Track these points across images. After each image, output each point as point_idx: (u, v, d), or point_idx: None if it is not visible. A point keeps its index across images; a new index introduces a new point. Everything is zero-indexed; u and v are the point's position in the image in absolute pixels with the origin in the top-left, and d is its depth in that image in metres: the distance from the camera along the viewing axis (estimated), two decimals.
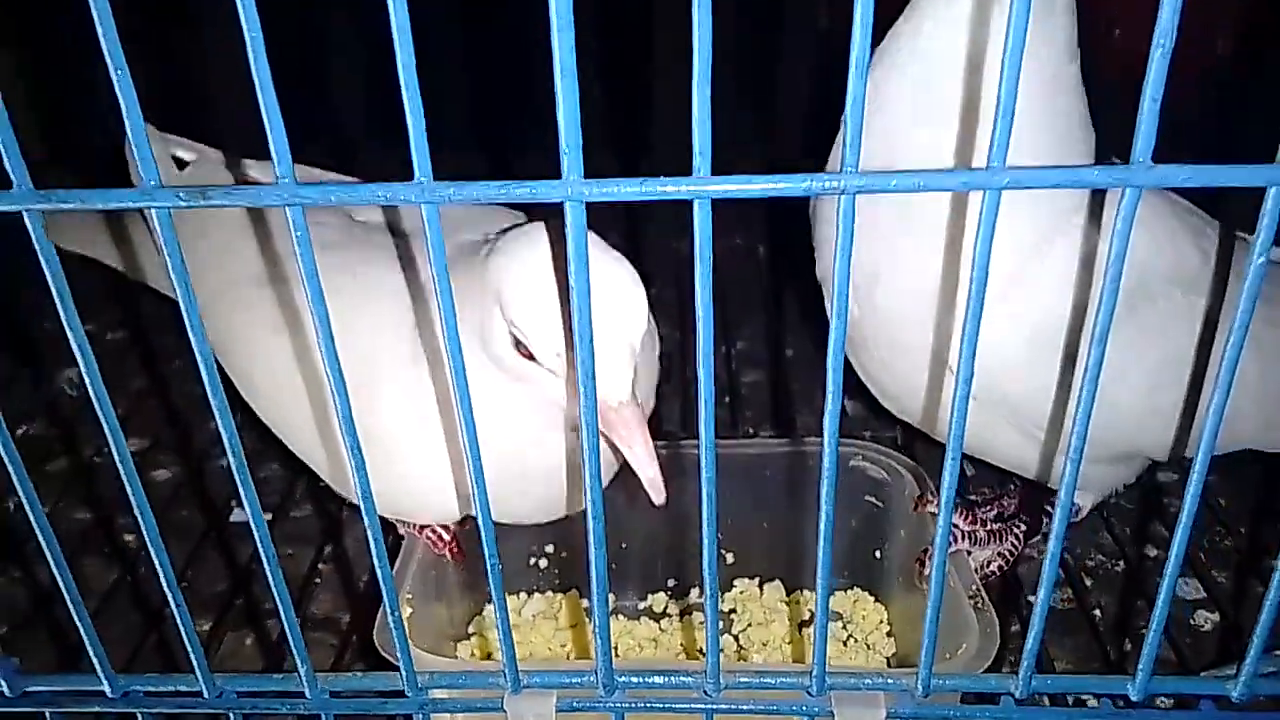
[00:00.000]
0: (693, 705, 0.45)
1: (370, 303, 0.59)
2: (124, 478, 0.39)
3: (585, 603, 0.75)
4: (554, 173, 0.32)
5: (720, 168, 0.32)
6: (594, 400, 0.36)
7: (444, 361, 0.45)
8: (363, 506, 0.40)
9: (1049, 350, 0.57)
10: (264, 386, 0.63)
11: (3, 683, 0.46)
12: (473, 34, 1.48)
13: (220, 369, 0.38)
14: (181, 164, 0.75)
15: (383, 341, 0.58)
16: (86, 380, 0.37)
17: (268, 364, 0.62)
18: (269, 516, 0.39)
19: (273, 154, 0.32)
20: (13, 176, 0.34)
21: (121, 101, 0.32)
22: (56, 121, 1.42)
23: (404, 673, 0.44)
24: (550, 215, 0.58)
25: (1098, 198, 0.56)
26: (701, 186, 0.32)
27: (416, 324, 0.58)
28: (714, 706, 0.44)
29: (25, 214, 0.34)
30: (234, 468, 0.39)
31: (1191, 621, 0.79)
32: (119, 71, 0.31)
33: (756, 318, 1.24)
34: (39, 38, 1.46)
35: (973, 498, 0.74)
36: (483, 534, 0.40)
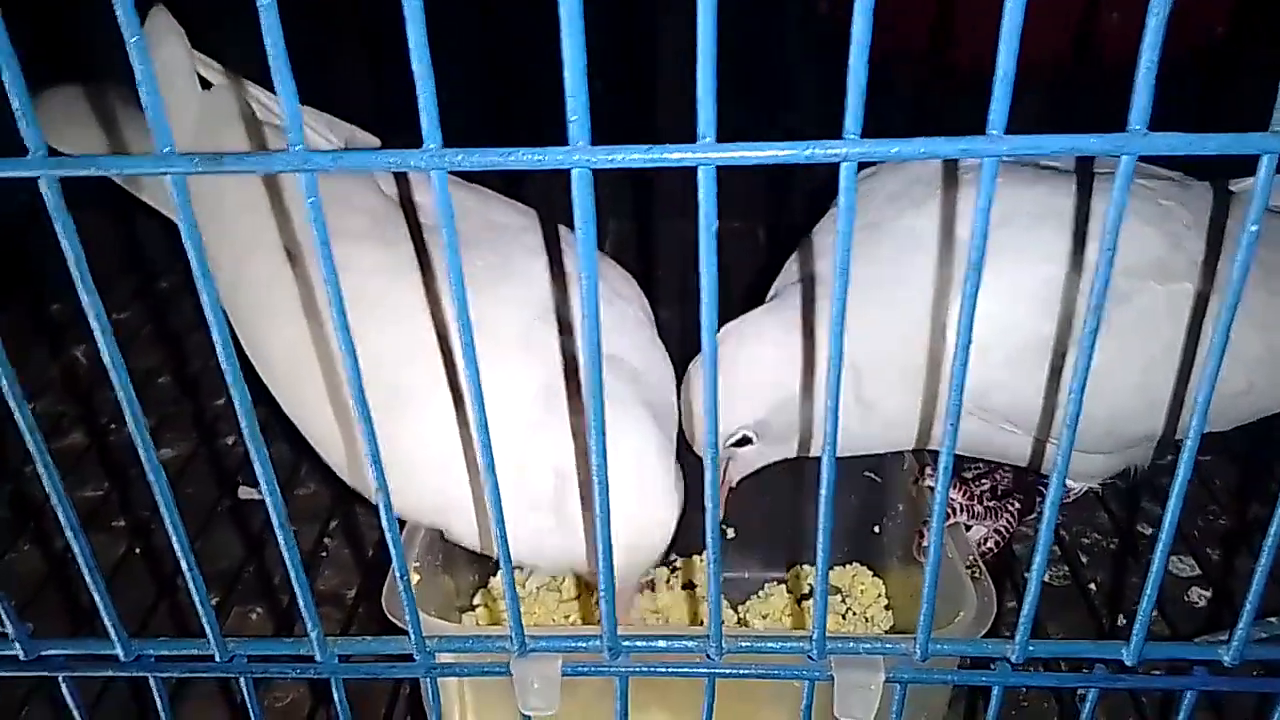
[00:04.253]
0: (696, 669, 0.46)
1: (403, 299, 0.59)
2: (139, 448, 0.40)
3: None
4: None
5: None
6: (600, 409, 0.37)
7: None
8: (372, 473, 0.40)
9: (1027, 358, 0.58)
10: (280, 363, 0.62)
11: (18, 646, 0.47)
12: (479, 18, 1.47)
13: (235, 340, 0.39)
14: (205, 83, 0.69)
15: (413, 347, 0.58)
16: (104, 352, 0.37)
17: (284, 340, 0.61)
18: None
19: (285, 121, 0.33)
20: (28, 142, 0.34)
21: (136, 67, 0.32)
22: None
23: (413, 636, 0.45)
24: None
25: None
26: (706, 154, 0.32)
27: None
28: (716, 670, 0.45)
29: (41, 180, 0.34)
30: (248, 438, 0.39)
31: (1186, 598, 0.80)
32: (134, 39, 0.32)
33: (756, 298, 1.24)
34: None
35: (966, 474, 0.75)
36: (490, 507, 0.40)
